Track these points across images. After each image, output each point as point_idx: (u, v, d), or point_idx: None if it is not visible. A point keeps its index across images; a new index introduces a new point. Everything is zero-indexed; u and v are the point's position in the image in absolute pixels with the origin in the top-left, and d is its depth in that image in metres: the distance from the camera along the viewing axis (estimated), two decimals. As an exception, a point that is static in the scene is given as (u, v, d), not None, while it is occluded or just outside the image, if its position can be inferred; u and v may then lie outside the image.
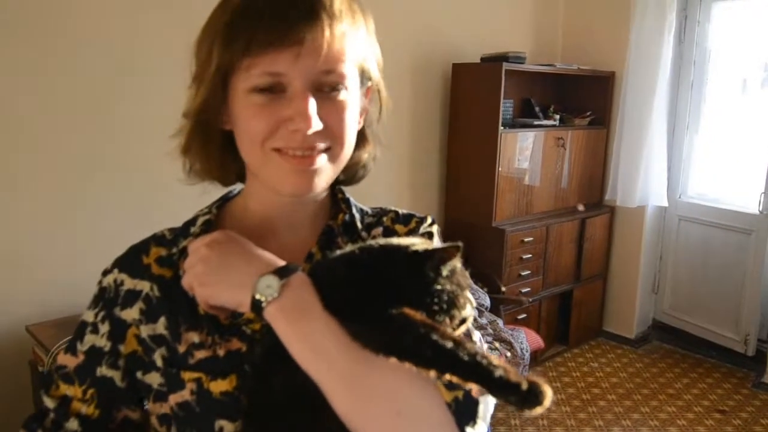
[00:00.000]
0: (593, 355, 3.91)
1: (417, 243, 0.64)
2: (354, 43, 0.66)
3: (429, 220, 0.80)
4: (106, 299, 0.72)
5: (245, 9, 0.63)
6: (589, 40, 4.04)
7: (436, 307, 0.61)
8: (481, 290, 3.11)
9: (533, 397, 0.55)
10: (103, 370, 0.71)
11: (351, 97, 0.67)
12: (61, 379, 0.72)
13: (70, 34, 2.22)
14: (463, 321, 0.64)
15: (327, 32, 0.62)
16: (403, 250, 0.64)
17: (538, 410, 0.54)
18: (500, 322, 3.02)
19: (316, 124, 0.63)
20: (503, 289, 3.18)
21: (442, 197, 3.52)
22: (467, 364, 0.56)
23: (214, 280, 0.64)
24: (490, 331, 2.92)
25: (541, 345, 3.18)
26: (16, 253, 2.26)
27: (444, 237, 0.73)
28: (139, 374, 0.71)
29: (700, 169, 3.98)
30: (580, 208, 3.75)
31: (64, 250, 2.34)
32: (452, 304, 0.62)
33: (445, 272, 0.62)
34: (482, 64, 3.29)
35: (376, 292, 0.61)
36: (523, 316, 3.38)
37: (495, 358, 0.58)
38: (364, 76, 0.70)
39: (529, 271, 3.43)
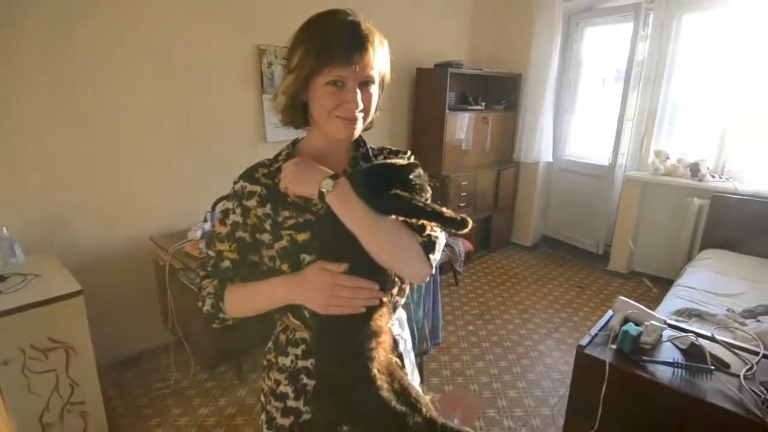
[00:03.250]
0: (504, 257, 4.48)
1: (399, 161, 0.90)
2: (381, 61, 0.91)
3: (409, 153, 1.05)
4: (238, 195, 0.94)
5: (330, 41, 0.86)
6: (505, 52, 4.40)
7: (414, 192, 0.86)
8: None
9: (463, 223, 0.81)
10: (240, 233, 0.93)
11: (375, 90, 0.92)
12: (217, 239, 0.94)
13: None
14: (427, 199, 0.88)
15: (371, 55, 0.87)
16: (393, 164, 0.88)
17: (466, 230, 0.81)
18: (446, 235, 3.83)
19: (360, 105, 0.88)
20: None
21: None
22: (430, 212, 0.83)
23: (299, 180, 0.87)
24: (440, 240, 3.76)
25: (471, 249, 3.79)
26: (144, 190, 2.56)
27: None
28: (257, 235, 0.93)
29: (574, 137, 4.44)
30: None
31: (177, 186, 2.66)
32: (422, 188, 0.88)
33: (418, 173, 0.89)
34: (435, 69, 3.82)
35: (382, 185, 0.85)
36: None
37: (444, 208, 0.83)
38: (382, 80, 0.95)
39: (464, 203, 4.00)
